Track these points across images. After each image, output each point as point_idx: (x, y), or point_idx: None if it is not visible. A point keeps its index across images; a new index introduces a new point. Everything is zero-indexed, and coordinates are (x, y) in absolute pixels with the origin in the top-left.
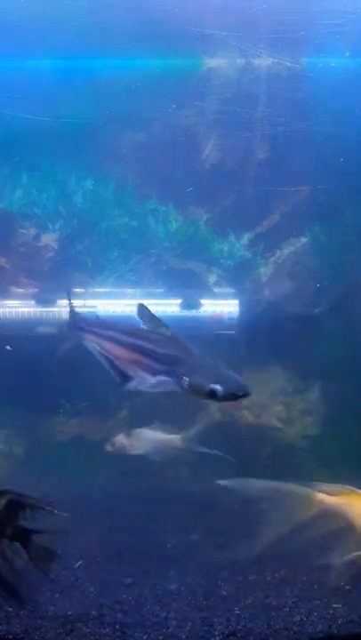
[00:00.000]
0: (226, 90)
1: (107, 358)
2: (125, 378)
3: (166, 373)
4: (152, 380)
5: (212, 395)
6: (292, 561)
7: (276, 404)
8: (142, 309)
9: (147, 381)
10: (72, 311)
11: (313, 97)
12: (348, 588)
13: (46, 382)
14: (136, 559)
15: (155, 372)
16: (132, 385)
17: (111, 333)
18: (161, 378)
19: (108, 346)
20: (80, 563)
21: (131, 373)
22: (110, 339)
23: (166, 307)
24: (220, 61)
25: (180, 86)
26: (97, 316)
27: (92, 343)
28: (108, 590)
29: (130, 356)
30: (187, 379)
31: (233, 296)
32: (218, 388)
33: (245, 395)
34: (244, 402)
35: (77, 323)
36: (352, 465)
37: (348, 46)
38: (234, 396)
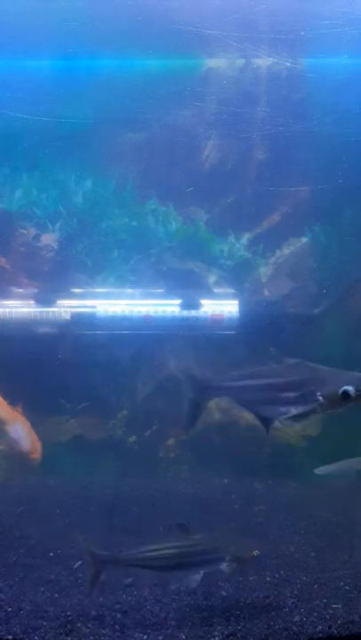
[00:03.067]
0: (226, 90)
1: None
2: (267, 422)
3: (300, 398)
4: (294, 409)
5: (346, 396)
6: None
7: None
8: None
9: (290, 412)
10: (190, 375)
11: (313, 97)
12: (347, 588)
13: (46, 382)
14: None
15: (292, 402)
16: (277, 424)
17: (243, 383)
18: (300, 406)
19: (244, 396)
20: (80, 563)
21: (269, 415)
22: (243, 389)
23: (166, 307)
24: (220, 61)
25: (180, 86)
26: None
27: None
28: (107, 590)
29: (265, 397)
30: (319, 393)
31: (233, 296)
32: (349, 388)
33: None
34: None
35: (200, 384)
36: None
37: (348, 46)
38: None
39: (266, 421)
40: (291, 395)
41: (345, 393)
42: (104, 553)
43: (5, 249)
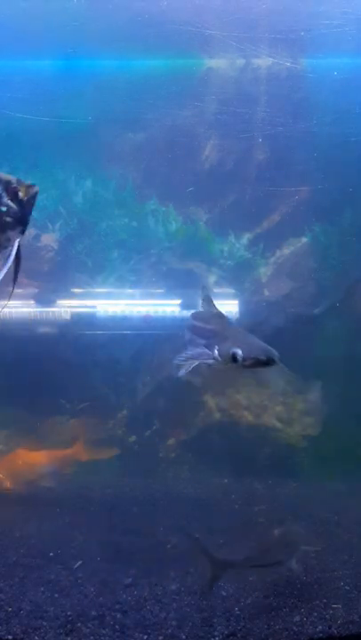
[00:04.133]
0: (226, 90)
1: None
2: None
3: (206, 346)
4: (191, 352)
5: (234, 359)
6: None
7: (276, 404)
8: (206, 296)
9: (194, 354)
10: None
11: (313, 97)
12: (347, 588)
13: (46, 382)
14: (136, 559)
15: (197, 346)
16: (180, 358)
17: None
18: (198, 350)
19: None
20: (80, 563)
21: (187, 352)
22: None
23: (166, 307)
24: (220, 61)
25: (180, 86)
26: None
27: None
28: (107, 590)
29: (190, 337)
30: (217, 348)
31: (233, 296)
32: (238, 352)
33: (270, 361)
34: (244, 402)
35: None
36: (352, 465)
37: (348, 46)
38: (257, 360)
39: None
40: (202, 341)
41: (234, 355)
42: (222, 557)
43: None
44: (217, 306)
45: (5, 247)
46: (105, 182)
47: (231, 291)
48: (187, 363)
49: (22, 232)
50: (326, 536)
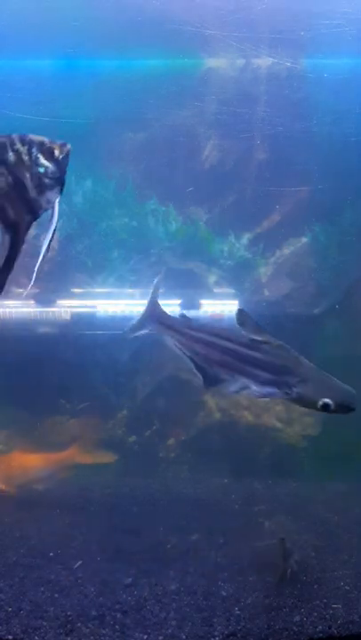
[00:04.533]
0: (226, 90)
1: (192, 358)
2: (214, 380)
3: (274, 383)
4: (258, 388)
5: (325, 408)
6: None
7: (276, 403)
8: (243, 315)
9: (251, 389)
10: (154, 301)
11: (313, 97)
12: (347, 588)
13: (46, 382)
14: (136, 559)
15: (261, 381)
16: (224, 388)
17: (204, 336)
18: (268, 389)
19: (200, 348)
20: (80, 563)
21: (225, 376)
22: (201, 340)
23: (166, 307)
24: (220, 61)
25: (180, 86)
26: (185, 317)
27: (176, 343)
28: (107, 590)
29: (224, 360)
30: (297, 390)
31: (233, 296)
32: (330, 403)
33: (353, 408)
34: (244, 402)
35: (159, 316)
36: (352, 465)
37: (348, 46)
38: (347, 409)
39: (214, 382)
40: (265, 376)
41: (325, 406)
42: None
43: None
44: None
45: (46, 209)
46: (105, 182)
47: (231, 291)
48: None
49: (60, 192)
50: (326, 536)
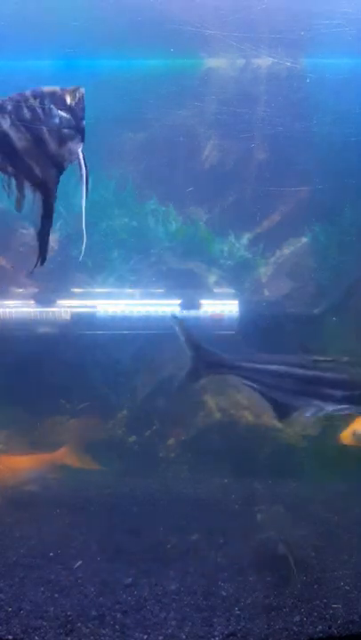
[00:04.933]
0: (226, 90)
1: (262, 392)
2: (286, 411)
3: (350, 399)
4: (334, 407)
5: None
6: None
7: None
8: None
9: (327, 410)
10: (196, 345)
11: (313, 97)
12: (347, 588)
13: (46, 382)
14: (136, 559)
15: (337, 400)
16: (300, 416)
17: (269, 367)
18: (344, 406)
19: (269, 380)
20: (80, 563)
21: (298, 403)
22: (267, 372)
23: (166, 307)
24: (220, 61)
25: (180, 86)
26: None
27: (243, 380)
28: (107, 590)
29: (295, 387)
30: None
31: (233, 296)
32: None
33: None
34: (245, 402)
35: (214, 361)
36: (352, 465)
37: (348, 46)
38: None
39: (286, 413)
40: (337, 393)
41: None
42: None
43: (5, 249)
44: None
45: (72, 161)
46: (105, 182)
47: (231, 291)
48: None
49: (82, 140)
50: (326, 536)
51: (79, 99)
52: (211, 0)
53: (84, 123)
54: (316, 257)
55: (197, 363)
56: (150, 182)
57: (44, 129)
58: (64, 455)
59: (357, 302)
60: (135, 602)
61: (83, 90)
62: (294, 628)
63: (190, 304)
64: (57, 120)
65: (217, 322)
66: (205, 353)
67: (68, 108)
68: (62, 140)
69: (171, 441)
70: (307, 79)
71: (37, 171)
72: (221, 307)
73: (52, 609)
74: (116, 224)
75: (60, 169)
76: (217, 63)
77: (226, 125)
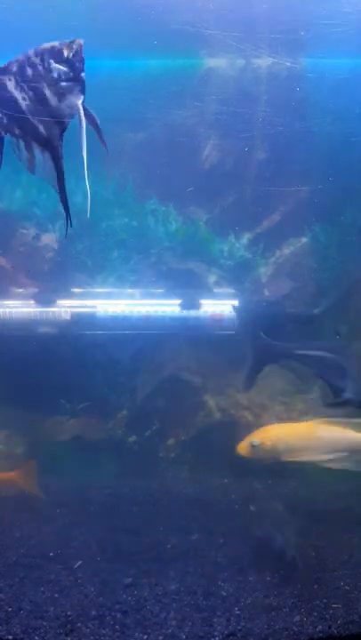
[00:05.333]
0: (226, 90)
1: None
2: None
3: None
4: None
5: None
6: None
7: (276, 403)
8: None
9: None
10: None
11: (313, 97)
12: (347, 588)
13: (46, 382)
14: (136, 559)
15: None
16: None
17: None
18: None
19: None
20: (80, 563)
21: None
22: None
23: (166, 307)
24: (220, 61)
25: (180, 86)
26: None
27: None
28: (107, 590)
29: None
30: None
31: (233, 296)
32: None
33: None
34: (244, 402)
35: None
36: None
37: (348, 46)
38: None
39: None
40: None
41: None
42: None
43: (5, 249)
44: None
45: (73, 115)
46: (105, 182)
47: (231, 291)
48: None
49: (82, 92)
50: (326, 536)
51: (77, 50)
52: (211, 0)
53: (84, 75)
54: (316, 257)
55: (260, 352)
56: (150, 182)
57: (45, 85)
58: (16, 477)
59: (357, 302)
60: (135, 602)
61: (81, 41)
62: (294, 628)
63: (190, 304)
64: (55, 74)
65: (217, 322)
66: (265, 342)
67: (66, 61)
68: (62, 94)
69: (171, 441)
70: (307, 79)
71: (41, 129)
72: (221, 307)
73: (52, 609)
74: (116, 224)
75: (62, 126)
76: (217, 63)
77: (226, 125)
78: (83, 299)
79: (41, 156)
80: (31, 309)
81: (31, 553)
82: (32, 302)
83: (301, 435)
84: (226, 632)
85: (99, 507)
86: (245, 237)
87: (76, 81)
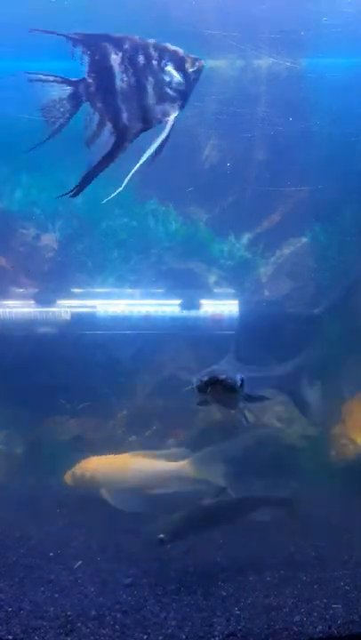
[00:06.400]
0: (226, 90)
1: None
2: None
3: None
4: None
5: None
6: None
7: (276, 404)
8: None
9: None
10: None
11: (313, 97)
12: (347, 588)
13: (46, 382)
14: (136, 559)
15: None
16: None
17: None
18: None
19: None
20: (80, 563)
21: None
22: None
23: (166, 307)
24: (220, 61)
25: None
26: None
27: None
28: (107, 590)
29: None
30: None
31: (233, 296)
32: (194, 380)
33: (216, 380)
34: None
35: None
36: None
37: (348, 46)
38: (206, 384)
39: None
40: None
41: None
42: None
43: (5, 249)
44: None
45: (160, 121)
46: (105, 182)
47: (231, 291)
48: None
49: (181, 107)
50: (326, 536)
51: (198, 69)
52: (211, 0)
53: (190, 95)
54: (316, 257)
55: None
56: (150, 182)
57: (151, 80)
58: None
59: (357, 302)
60: (135, 602)
61: (204, 63)
62: (294, 628)
63: (190, 304)
64: (168, 78)
65: (217, 322)
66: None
67: (184, 72)
68: (163, 99)
69: (171, 441)
70: (307, 79)
71: (124, 117)
72: (221, 307)
73: (52, 609)
74: (116, 224)
75: (146, 125)
76: (217, 63)
77: (226, 125)
78: (83, 299)
79: (105, 139)
80: (31, 309)
81: (31, 553)
82: (32, 302)
83: (117, 466)
84: (226, 632)
85: (99, 507)
86: (245, 237)
87: (183, 96)
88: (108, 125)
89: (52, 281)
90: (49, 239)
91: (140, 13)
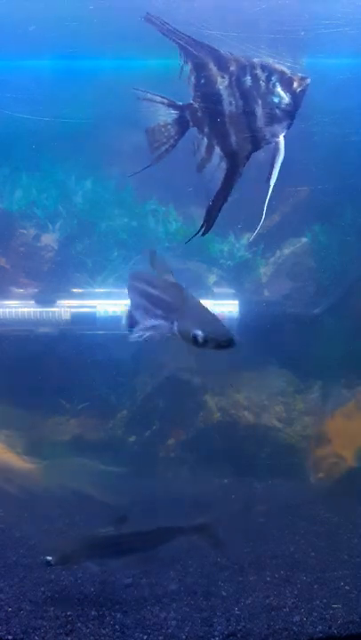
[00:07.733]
0: None
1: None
2: (132, 323)
3: (163, 318)
4: (150, 323)
5: (195, 340)
6: None
7: (276, 404)
8: (152, 255)
9: (145, 325)
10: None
11: (313, 97)
12: (347, 588)
13: (46, 382)
14: (136, 559)
15: (154, 317)
16: (135, 329)
17: (136, 284)
18: (157, 321)
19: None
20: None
21: (138, 319)
22: (135, 289)
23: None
24: None
25: (180, 86)
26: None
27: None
28: (107, 590)
29: (139, 303)
30: (176, 323)
31: (233, 296)
32: (199, 334)
33: (230, 343)
34: (244, 402)
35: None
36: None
37: (348, 46)
38: (216, 342)
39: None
40: (157, 312)
41: (195, 337)
42: None
43: (5, 249)
44: (169, 270)
45: (269, 142)
46: (105, 182)
47: (231, 291)
48: (142, 332)
49: (288, 127)
50: (326, 536)
51: (304, 88)
52: (211, 0)
53: (298, 113)
54: (316, 257)
55: None
56: (150, 182)
57: (260, 102)
58: None
59: (357, 302)
60: (135, 602)
61: (309, 81)
62: (294, 628)
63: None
64: (276, 99)
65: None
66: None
67: (292, 92)
68: (271, 120)
69: (171, 441)
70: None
71: (233, 140)
72: (221, 307)
73: (52, 609)
74: (116, 224)
75: (256, 147)
76: None
77: None
78: (83, 299)
79: (216, 163)
80: (31, 309)
81: (31, 553)
82: (32, 302)
83: None
84: (226, 632)
85: (98, 507)
86: (245, 237)
87: (291, 116)
88: (217, 149)
89: (52, 281)
90: (49, 239)
91: (140, 13)
